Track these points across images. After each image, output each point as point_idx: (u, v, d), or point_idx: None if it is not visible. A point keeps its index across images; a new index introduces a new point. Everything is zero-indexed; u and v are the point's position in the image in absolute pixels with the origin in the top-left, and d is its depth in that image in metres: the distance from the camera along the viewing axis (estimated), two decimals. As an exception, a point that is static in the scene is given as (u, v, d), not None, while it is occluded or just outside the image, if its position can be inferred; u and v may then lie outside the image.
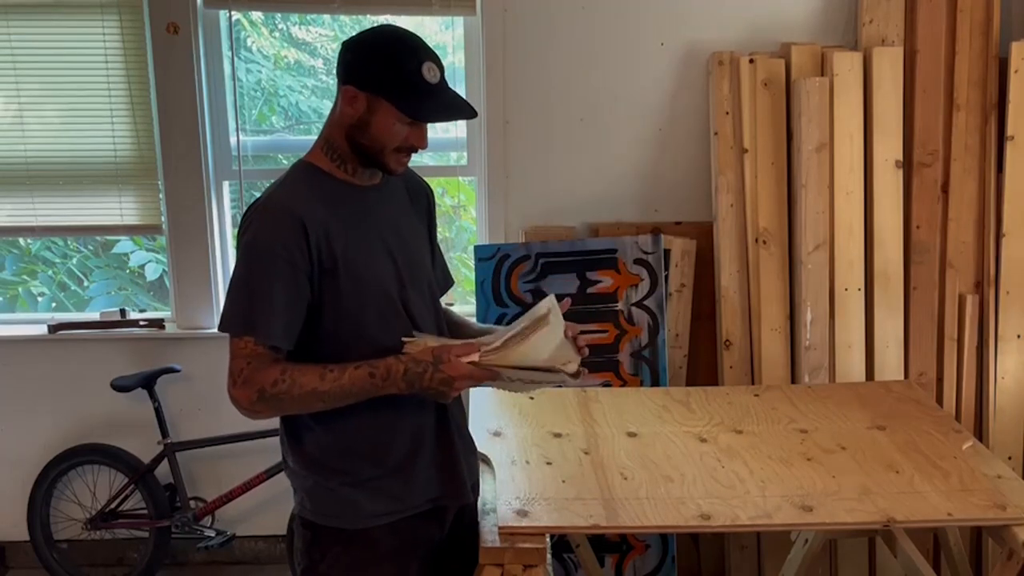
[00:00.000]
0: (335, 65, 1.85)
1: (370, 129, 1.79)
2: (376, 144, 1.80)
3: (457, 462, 1.96)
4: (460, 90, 3.30)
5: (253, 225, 1.77)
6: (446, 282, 2.11)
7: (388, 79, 1.76)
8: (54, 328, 3.41)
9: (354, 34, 1.84)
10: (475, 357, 1.78)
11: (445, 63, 1.84)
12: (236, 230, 1.84)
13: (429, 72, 1.77)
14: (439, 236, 2.14)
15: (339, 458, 1.86)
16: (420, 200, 2.02)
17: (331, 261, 1.78)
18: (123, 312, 3.46)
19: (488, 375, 1.79)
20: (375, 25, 1.87)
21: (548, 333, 1.81)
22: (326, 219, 1.78)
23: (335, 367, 1.76)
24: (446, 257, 2.19)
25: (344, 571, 1.90)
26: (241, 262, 1.77)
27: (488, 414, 2.54)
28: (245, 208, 1.85)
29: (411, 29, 1.83)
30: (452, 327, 2.04)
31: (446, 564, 2.02)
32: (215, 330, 3.41)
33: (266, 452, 3.26)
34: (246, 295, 1.75)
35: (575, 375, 1.84)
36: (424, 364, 1.77)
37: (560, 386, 1.84)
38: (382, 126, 1.78)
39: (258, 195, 1.88)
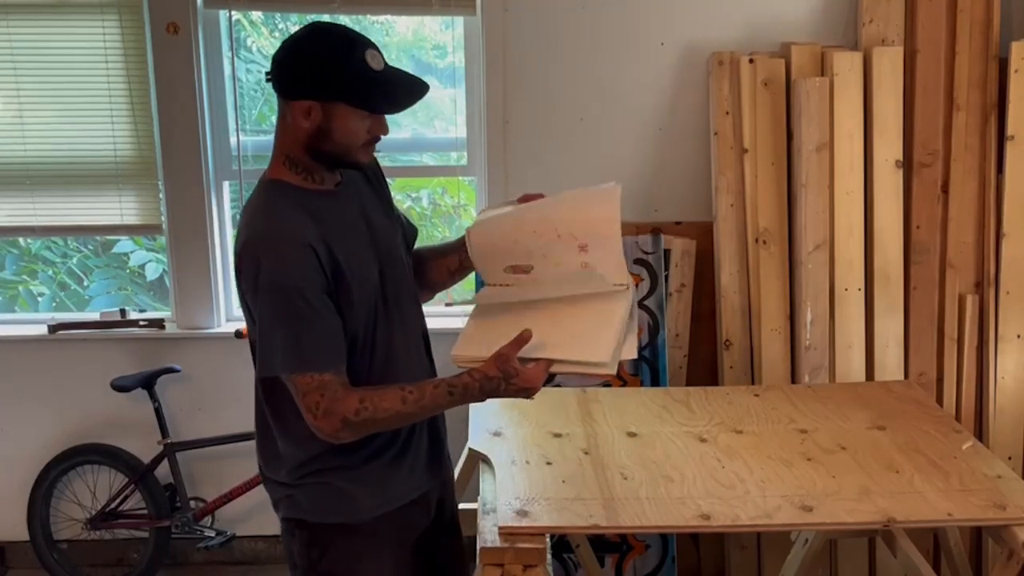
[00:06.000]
0: (275, 81, 1.78)
1: (333, 135, 1.77)
2: (342, 147, 1.79)
3: (442, 449, 2.05)
4: (460, 90, 3.32)
5: (265, 264, 1.74)
6: (414, 233, 2.09)
7: (339, 82, 1.73)
8: (54, 328, 3.41)
9: (283, 44, 1.78)
10: (533, 345, 1.79)
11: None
12: (235, 259, 1.80)
13: (373, 60, 1.75)
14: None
15: (335, 455, 1.86)
16: (370, 171, 1.99)
17: (339, 274, 1.79)
18: (123, 312, 3.46)
19: (548, 370, 1.83)
20: (296, 31, 1.81)
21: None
22: (323, 235, 1.77)
23: (413, 388, 1.79)
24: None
25: (346, 564, 1.93)
26: (269, 304, 1.75)
27: (488, 414, 2.54)
28: (239, 241, 1.80)
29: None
30: (426, 263, 2.08)
31: (433, 548, 2.07)
32: (215, 330, 3.42)
33: (266, 452, 3.25)
34: (291, 334, 1.74)
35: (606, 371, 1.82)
36: (496, 380, 1.79)
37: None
38: (344, 129, 1.76)
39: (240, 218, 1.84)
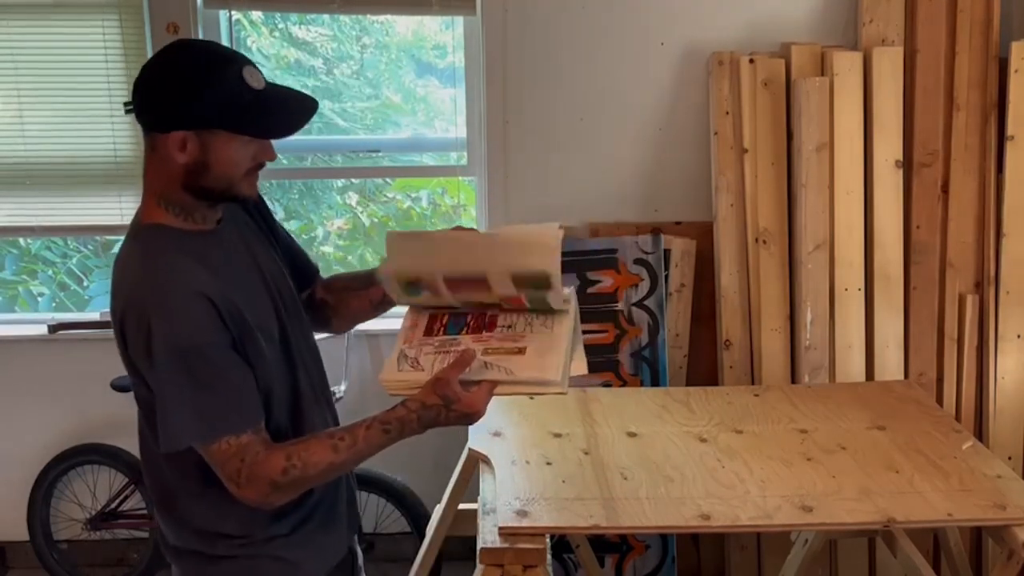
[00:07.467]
0: (139, 112, 1.58)
1: (211, 169, 1.56)
2: (223, 180, 1.59)
3: (354, 498, 1.93)
4: (460, 90, 3.31)
5: (156, 326, 1.53)
6: (312, 269, 1.95)
7: (217, 107, 1.53)
8: (54, 328, 3.41)
9: (144, 70, 1.58)
10: (474, 367, 1.64)
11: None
12: (117, 322, 1.60)
13: (252, 78, 1.56)
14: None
15: (263, 525, 1.70)
16: (252, 208, 1.81)
17: (242, 324, 1.61)
18: (123, 312, 3.45)
19: (492, 393, 1.67)
20: (159, 51, 1.60)
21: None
22: (217, 283, 1.58)
23: (344, 434, 1.62)
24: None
25: None
26: (168, 371, 1.54)
27: (488, 414, 2.53)
28: (119, 301, 1.59)
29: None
30: (347, 294, 1.91)
31: None
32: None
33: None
34: (197, 399, 1.55)
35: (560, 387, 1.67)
36: (436, 408, 1.62)
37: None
38: (224, 159, 1.57)
39: (113, 269, 1.64)
